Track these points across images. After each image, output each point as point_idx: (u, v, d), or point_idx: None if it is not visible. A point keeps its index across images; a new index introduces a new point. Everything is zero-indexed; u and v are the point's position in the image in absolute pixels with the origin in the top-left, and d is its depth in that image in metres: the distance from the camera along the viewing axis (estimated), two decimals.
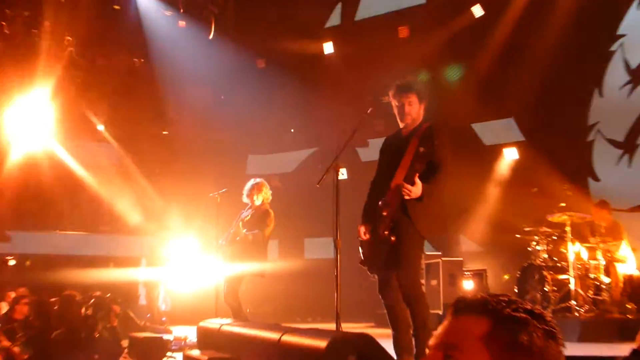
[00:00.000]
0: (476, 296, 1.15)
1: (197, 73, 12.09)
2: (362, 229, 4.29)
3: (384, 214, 4.11)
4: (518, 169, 9.74)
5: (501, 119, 10.33)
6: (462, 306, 1.15)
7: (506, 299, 1.13)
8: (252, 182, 6.80)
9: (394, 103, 4.32)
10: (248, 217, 6.71)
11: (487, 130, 10.45)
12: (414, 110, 4.27)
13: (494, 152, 10.09)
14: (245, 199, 6.77)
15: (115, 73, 13.06)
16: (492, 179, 9.93)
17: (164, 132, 12.84)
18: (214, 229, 7.21)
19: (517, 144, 9.96)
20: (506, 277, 8.81)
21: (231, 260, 6.66)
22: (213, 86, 12.60)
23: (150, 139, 12.29)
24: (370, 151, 11.02)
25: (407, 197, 3.99)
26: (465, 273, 8.45)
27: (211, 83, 12.45)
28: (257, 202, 6.69)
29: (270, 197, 6.78)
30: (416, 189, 3.96)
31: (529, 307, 1.12)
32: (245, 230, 6.57)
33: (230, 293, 6.54)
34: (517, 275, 7.46)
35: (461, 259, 8.86)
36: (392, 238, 4.09)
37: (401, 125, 4.36)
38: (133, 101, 12.23)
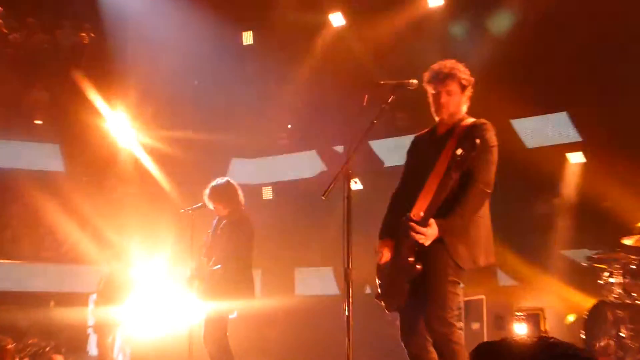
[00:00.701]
0: (503, 341, 1.18)
1: (164, 52, 12.12)
2: (383, 249, 4.31)
3: (409, 234, 4.13)
4: (580, 177, 9.71)
5: (550, 113, 10.31)
6: (484, 354, 1.18)
7: (544, 342, 1.15)
8: (214, 183, 6.83)
9: (429, 90, 4.38)
10: (209, 244, 6.77)
11: (531, 129, 10.41)
12: (454, 103, 4.33)
13: (540, 156, 9.98)
14: (208, 204, 6.81)
15: (58, 51, 13.15)
16: (541, 191, 9.90)
17: None
18: (187, 254, 7.23)
19: (572, 145, 9.91)
20: (570, 318, 8.79)
21: (205, 297, 6.68)
22: (185, 69, 12.63)
23: (103, 138, 12.32)
24: (392, 155, 11.04)
25: (421, 242, 4.05)
26: (517, 314, 8.44)
27: (183, 64, 12.48)
28: (225, 210, 6.74)
29: (243, 199, 6.82)
30: (431, 230, 4.03)
31: (571, 351, 1.14)
32: (211, 262, 6.60)
33: (209, 338, 6.55)
34: (585, 317, 7.45)
35: (511, 295, 8.86)
36: (418, 266, 4.12)
37: (436, 119, 4.41)
38: (80, 89, 12.28)
